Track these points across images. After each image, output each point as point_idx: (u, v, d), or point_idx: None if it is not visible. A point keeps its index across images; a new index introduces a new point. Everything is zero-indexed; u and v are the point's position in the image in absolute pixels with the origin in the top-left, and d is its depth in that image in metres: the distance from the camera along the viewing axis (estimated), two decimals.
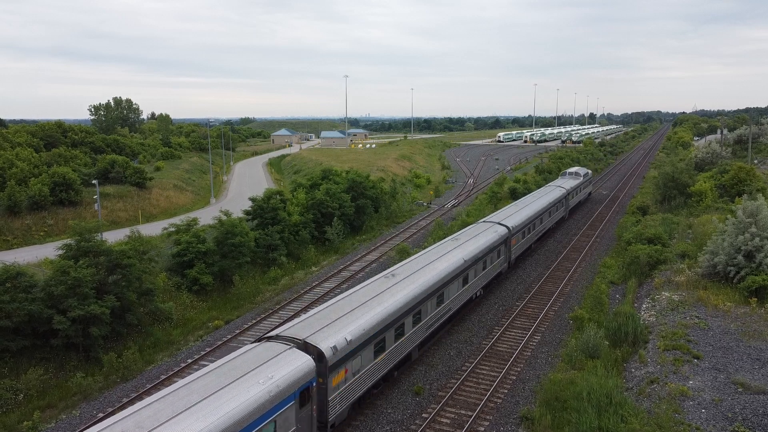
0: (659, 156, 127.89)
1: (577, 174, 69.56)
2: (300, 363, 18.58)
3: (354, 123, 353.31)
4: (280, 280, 41.77)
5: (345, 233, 52.60)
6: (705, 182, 58.78)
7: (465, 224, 50.63)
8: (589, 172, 75.95)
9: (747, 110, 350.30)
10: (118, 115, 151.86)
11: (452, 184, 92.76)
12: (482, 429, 22.36)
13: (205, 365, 26.19)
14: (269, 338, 20.67)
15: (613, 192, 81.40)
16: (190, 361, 29.08)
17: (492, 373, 26.87)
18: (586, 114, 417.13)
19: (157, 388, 26.10)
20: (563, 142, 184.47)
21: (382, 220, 61.10)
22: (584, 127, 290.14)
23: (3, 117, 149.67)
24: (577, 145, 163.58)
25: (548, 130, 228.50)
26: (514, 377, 26.56)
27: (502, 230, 39.29)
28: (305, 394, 18.47)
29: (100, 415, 24.07)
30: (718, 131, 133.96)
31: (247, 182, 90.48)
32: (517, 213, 45.09)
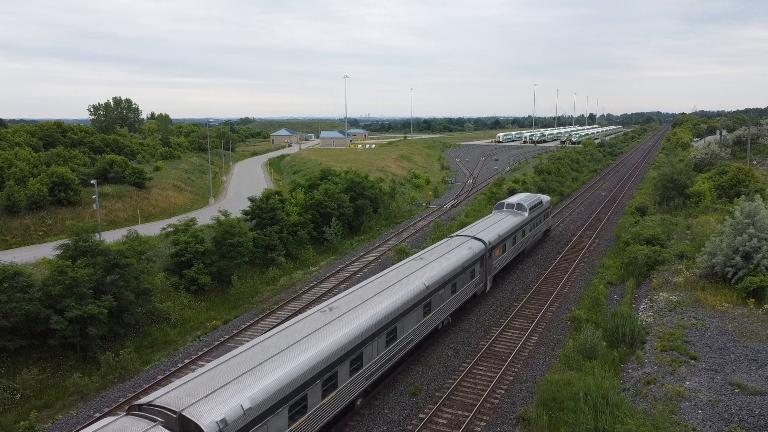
0: (658, 157, 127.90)
1: (519, 207, 44.49)
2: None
3: (353, 123, 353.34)
4: (278, 280, 41.75)
5: (344, 233, 52.60)
6: (704, 183, 58.83)
7: (463, 224, 49.97)
8: (545, 199, 51.09)
9: (746, 111, 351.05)
10: (117, 115, 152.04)
11: (451, 184, 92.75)
12: (479, 429, 22.35)
13: (202, 365, 26.13)
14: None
15: (612, 192, 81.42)
16: (187, 361, 29.05)
17: (489, 374, 26.87)
18: (586, 114, 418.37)
19: (153, 388, 26.07)
20: (563, 142, 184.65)
21: (381, 220, 61.07)
22: (584, 127, 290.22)
23: (2, 117, 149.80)
24: (576, 145, 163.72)
25: (548, 131, 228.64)
26: (512, 378, 26.56)
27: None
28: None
29: (97, 415, 24.06)
30: (717, 132, 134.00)
31: (246, 182, 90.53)
32: (327, 338, 20.54)
